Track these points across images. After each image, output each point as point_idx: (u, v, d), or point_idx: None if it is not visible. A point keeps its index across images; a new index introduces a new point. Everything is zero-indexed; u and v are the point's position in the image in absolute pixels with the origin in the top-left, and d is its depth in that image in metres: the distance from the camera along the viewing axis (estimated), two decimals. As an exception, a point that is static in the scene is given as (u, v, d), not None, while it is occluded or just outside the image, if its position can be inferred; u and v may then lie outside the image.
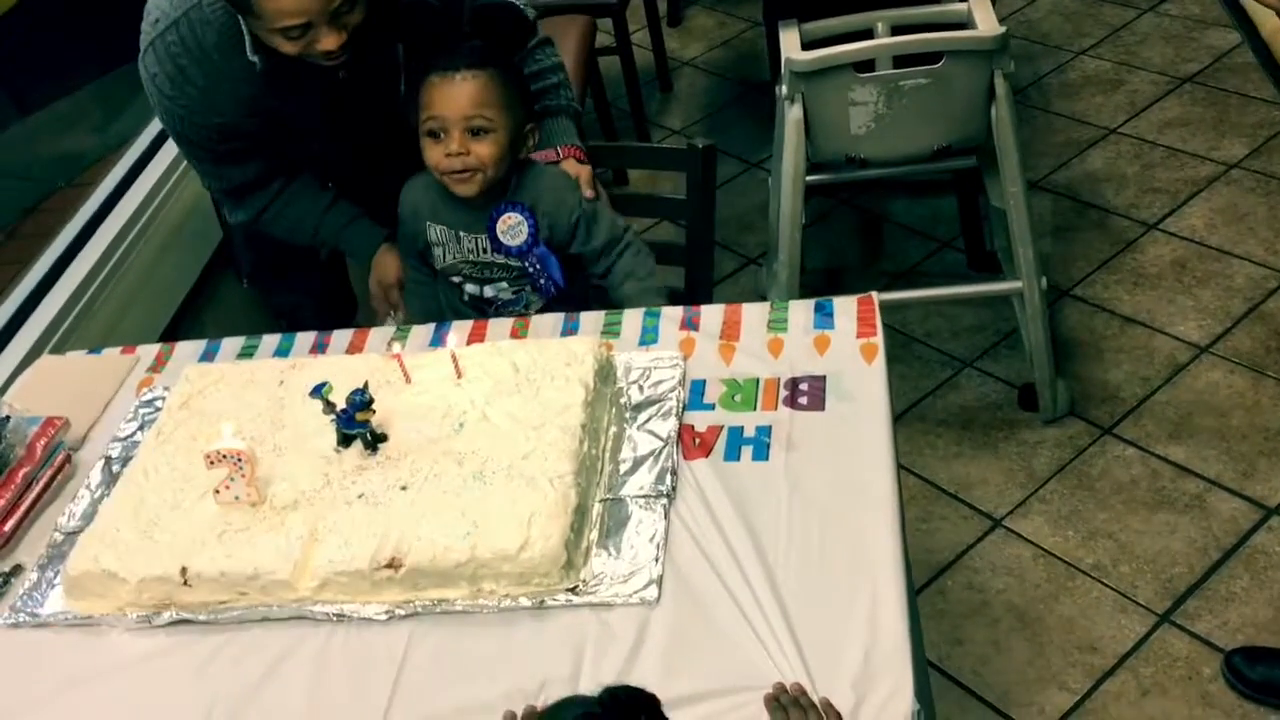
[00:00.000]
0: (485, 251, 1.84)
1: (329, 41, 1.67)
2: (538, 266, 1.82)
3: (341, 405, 1.45)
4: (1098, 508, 2.30)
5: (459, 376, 1.53)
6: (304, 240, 2.08)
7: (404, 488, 1.39)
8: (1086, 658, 2.05)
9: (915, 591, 1.36)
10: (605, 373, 1.53)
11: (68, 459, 1.62)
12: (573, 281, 1.87)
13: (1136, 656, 2.04)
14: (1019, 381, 2.57)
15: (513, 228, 1.80)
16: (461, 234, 1.85)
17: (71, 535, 1.48)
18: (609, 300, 1.86)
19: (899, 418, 2.46)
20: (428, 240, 1.88)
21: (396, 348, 1.57)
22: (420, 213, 1.89)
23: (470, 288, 1.88)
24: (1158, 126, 3.26)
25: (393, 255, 2.00)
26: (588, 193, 1.86)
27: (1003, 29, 2.19)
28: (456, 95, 1.71)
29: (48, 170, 3.63)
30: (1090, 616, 2.11)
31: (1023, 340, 2.54)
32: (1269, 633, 2.03)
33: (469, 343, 1.67)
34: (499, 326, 1.72)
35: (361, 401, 1.44)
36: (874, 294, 1.62)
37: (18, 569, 1.47)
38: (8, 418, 1.59)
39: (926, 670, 1.24)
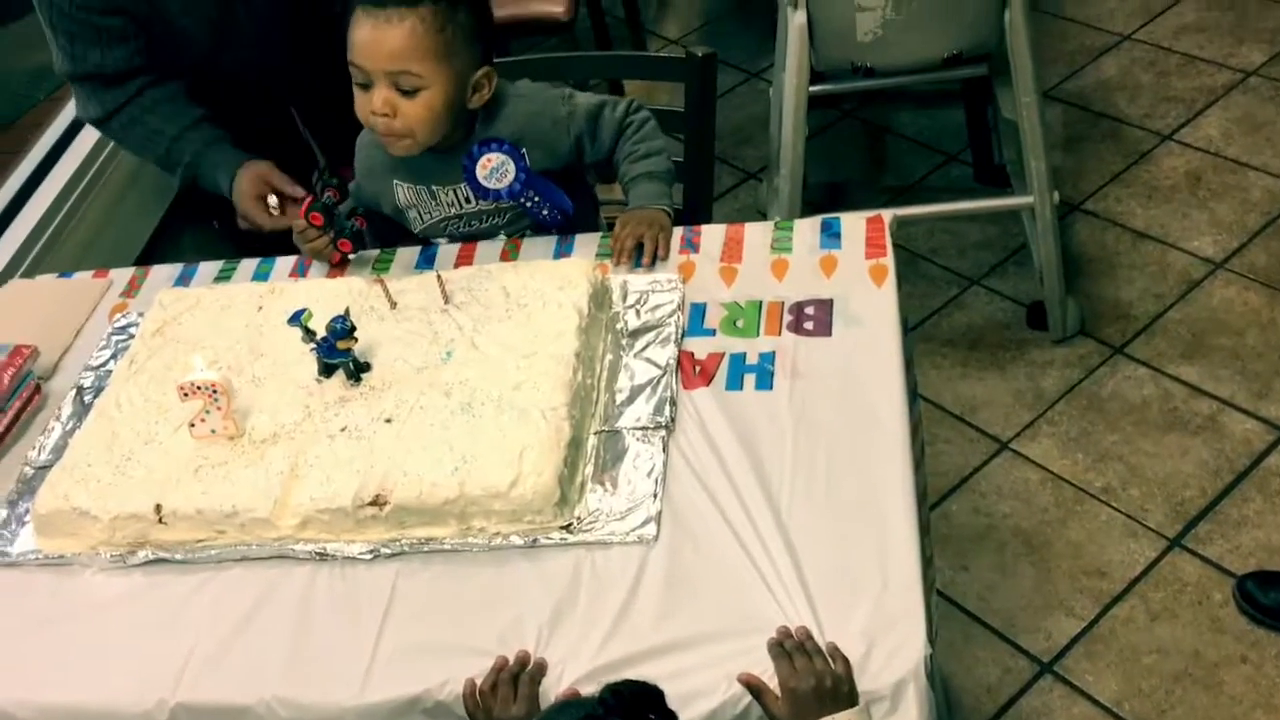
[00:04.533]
0: (469, 201, 1.61)
1: None
2: (537, 200, 1.60)
3: (322, 333, 1.38)
4: (1108, 429, 2.24)
5: (446, 302, 1.46)
6: (154, 156, 1.89)
7: (389, 420, 1.32)
8: (1095, 583, 2.01)
9: (929, 523, 1.31)
10: (600, 297, 1.45)
11: (37, 389, 1.55)
12: (580, 198, 1.67)
13: (1146, 581, 2.00)
14: (1028, 300, 2.49)
15: (496, 169, 1.55)
16: (435, 188, 1.61)
17: (42, 470, 1.41)
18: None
19: (904, 338, 2.39)
20: (395, 204, 1.64)
21: (380, 271, 1.49)
22: (378, 170, 1.63)
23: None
24: (1173, 32, 3.13)
25: (257, 169, 1.78)
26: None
27: (1018, -72, 2.07)
28: (380, 42, 1.43)
29: (25, 84, 3.51)
30: (1099, 541, 2.07)
31: (1032, 257, 2.45)
32: (1282, 557, 1.98)
33: (456, 265, 1.59)
34: (488, 248, 1.63)
35: (343, 329, 1.37)
36: (884, 213, 1.53)
37: (-13, 506, 1.41)
38: (-28, 347, 1.52)
39: (934, 602, 1.19)
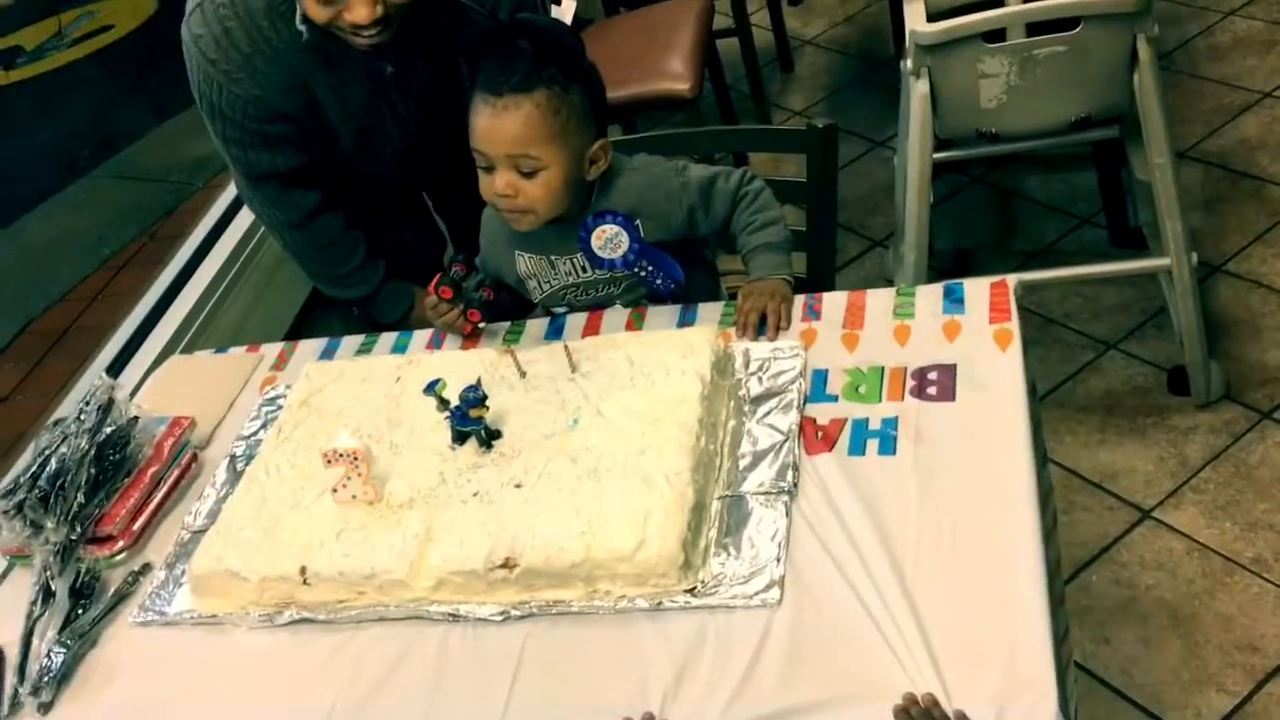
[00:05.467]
0: (585, 270, 1.67)
1: (360, 11, 1.61)
2: (651, 269, 1.65)
3: (455, 402, 1.43)
4: (1258, 498, 2.15)
5: (573, 371, 1.50)
6: (326, 277, 2.10)
7: (518, 486, 1.37)
8: (1247, 658, 1.92)
9: (1063, 595, 1.28)
10: (722, 365, 1.48)
11: (194, 458, 1.64)
12: (696, 268, 1.71)
13: (1303, 658, 1.90)
14: (1168, 364, 2.42)
15: (610, 240, 1.61)
16: (554, 258, 1.68)
17: (198, 534, 1.49)
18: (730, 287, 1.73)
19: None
20: (517, 274, 1.71)
21: (510, 343, 1.54)
22: (501, 241, 1.70)
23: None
24: (1317, 89, 3.04)
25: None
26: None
27: (1144, -11, 2.04)
28: (499, 129, 1.50)
29: (184, 174, 3.76)
30: (1250, 614, 1.97)
31: (1171, 320, 2.39)
32: None
33: (583, 335, 1.64)
34: (614, 318, 1.68)
35: (475, 398, 1.42)
36: (1008, 277, 1.52)
37: (147, 567, 1.50)
38: (136, 418, 1.62)
39: (1072, 676, 1.16)
